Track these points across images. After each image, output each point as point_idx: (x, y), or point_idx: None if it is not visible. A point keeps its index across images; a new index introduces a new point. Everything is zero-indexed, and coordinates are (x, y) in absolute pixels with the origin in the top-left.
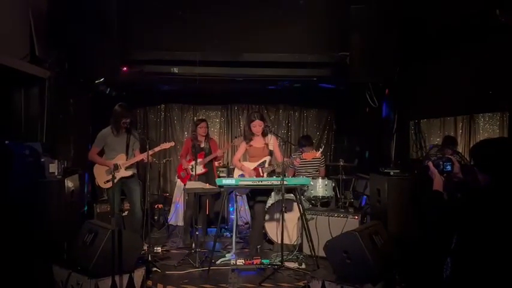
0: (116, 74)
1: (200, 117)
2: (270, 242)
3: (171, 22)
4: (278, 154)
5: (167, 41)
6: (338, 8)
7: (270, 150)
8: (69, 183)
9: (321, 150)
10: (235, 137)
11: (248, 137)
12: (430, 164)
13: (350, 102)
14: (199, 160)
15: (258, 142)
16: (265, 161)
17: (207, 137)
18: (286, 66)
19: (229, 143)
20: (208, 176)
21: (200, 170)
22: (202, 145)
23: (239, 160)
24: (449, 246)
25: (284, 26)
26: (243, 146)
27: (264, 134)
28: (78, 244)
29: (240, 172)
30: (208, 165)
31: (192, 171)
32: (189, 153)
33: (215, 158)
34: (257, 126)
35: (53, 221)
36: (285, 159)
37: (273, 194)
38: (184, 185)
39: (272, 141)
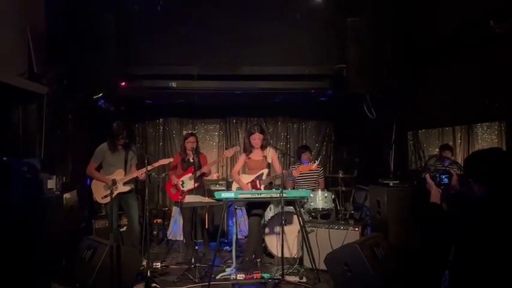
0: (115, 89)
1: (190, 131)
2: (271, 255)
3: (169, 37)
4: (277, 166)
5: (165, 55)
6: (336, 21)
7: (268, 163)
8: (68, 199)
9: (317, 162)
10: (226, 149)
11: (248, 149)
12: (427, 176)
13: (348, 113)
14: (189, 175)
15: (256, 155)
16: (262, 173)
17: (196, 151)
18: (284, 79)
19: (220, 155)
20: (200, 191)
21: (191, 185)
22: (191, 160)
23: (238, 173)
24: (447, 258)
25: (282, 39)
26: (242, 159)
27: (263, 147)
28: (77, 260)
29: (238, 186)
30: (199, 180)
31: (183, 186)
32: (179, 168)
33: (203, 174)
34: (257, 139)
35: (52, 238)
36: (284, 171)
37: (272, 206)
38: (176, 202)
39: (271, 154)
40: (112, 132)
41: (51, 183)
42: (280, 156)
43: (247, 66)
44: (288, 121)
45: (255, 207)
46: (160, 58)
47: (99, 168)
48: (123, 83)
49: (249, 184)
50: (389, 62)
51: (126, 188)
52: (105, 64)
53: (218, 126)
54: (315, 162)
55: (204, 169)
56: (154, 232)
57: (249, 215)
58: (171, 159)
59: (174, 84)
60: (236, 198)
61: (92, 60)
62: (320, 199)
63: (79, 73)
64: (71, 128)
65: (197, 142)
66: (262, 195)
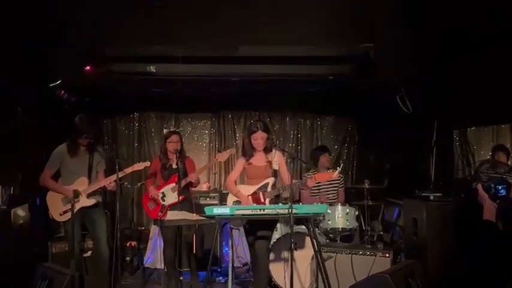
0: (77, 75)
1: (171, 129)
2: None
3: (148, 8)
4: (285, 175)
5: (142, 32)
6: None
7: (274, 170)
8: (17, 215)
9: (339, 169)
10: (219, 151)
11: (248, 152)
12: (480, 187)
13: (376, 107)
14: (172, 185)
15: (259, 160)
16: (267, 183)
17: (181, 154)
18: (294, 62)
19: (212, 159)
20: (186, 205)
21: (174, 198)
22: (175, 165)
23: (235, 182)
24: None
25: (292, 11)
26: (240, 164)
27: (267, 149)
28: None
29: (235, 198)
30: (184, 192)
31: (164, 200)
32: (158, 177)
33: (190, 184)
34: (259, 139)
35: None
36: (294, 181)
37: (279, 226)
38: (155, 219)
39: (277, 158)
40: (73, 129)
41: None
42: (289, 161)
43: (247, 45)
44: (298, 116)
45: (260, 227)
46: (136, 35)
47: (56, 177)
48: (88, 67)
49: (250, 197)
50: (431, 41)
51: (91, 202)
52: (66, 43)
53: (209, 122)
54: (336, 169)
55: (191, 177)
56: (128, 258)
57: (254, 237)
58: (148, 163)
59: (152, 68)
60: (232, 214)
61: (49, 39)
62: (340, 216)
63: (31, 54)
64: (21, 125)
65: (182, 142)
66: (266, 212)
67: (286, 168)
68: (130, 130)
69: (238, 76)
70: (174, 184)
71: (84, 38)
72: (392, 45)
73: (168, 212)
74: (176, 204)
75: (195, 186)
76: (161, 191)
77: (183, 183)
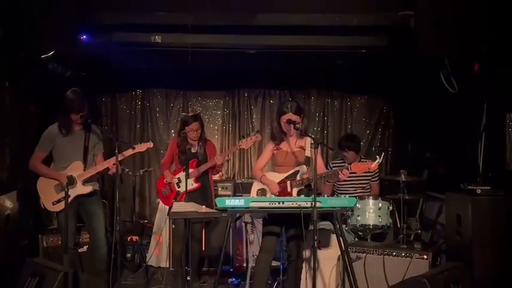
0: (73, 46)
1: (191, 113)
2: None
3: None
4: (320, 163)
5: None
6: None
7: (307, 157)
8: (4, 204)
9: (379, 160)
10: (243, 137)
11: (277, 136)
12: None
13: (416, 86)
14: (190, 171)
15: (289, 145)
16: (297, 171)
17: (200, 138)
18: (320, 32)
19: (236, 145)
20: (202, 194)
21: (191, 185)
22: (195, 150)
23: (262, 170)
24: None
25: None
26: (268, 149)
27: (300, 134)
28: None
29: (260, 186)
30: (203, 178)
31: (179, 186)
32: (176, 161)
33: (212, 168)
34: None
35: None
36: (327, 171)
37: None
38: (169, 207)
39: (310, 145)
40: (65, 105)
41: None
42: (314, 147)
43: (266, 13)
44: (325, 96)
45: (279, 219)
46: (140, 1)
47: (48, 161)
48: (85, 36)
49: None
50: (481, 10)
51: (88, 189)
52: (59, 8)
53: (222, 101)
54: (376, 160)
55: (217, 159)
56: (129, 255)
57: (263, 232)
58: (150, 145)
59: (158, 38)
60: (247, 207)
61: (41, 5)
62: (371, 211)
63: (21, 22)
64: (8, 102)
65: (203, 127)
66: (286, 204)
67: (314, 158)
68: (132, 109)
69: (255, 48)
70: (192, 170)
71: (80, 4)
72: (436, 13)
73: (174, 203)
74: (194, 192)
75: (219, 171)
76: (177, 176)
77: (204, 167)
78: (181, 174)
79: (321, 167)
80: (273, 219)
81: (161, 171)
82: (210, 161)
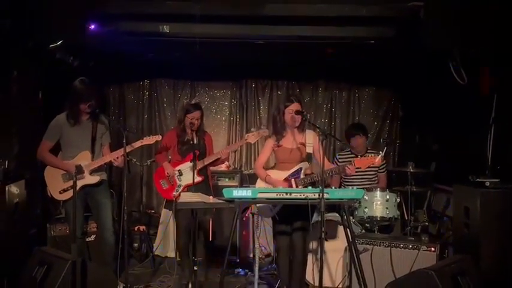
0: (81, 35)
1: (193, 101)
2: (305, 283)
3: None
4: (321, 154)
5: None
6: None
7: (308, 154)
8: (12, 193)
9: (381, 154)
10: (250, 131)
11: (280, 131)
12: None
13: (424, 77)
14: (191, 164)
15: (290, 141)
16: (300, 168)
17: (200, 129)
18: (329, 23)
19: (243, 138)
20: (203, 187)
21: (192, 178)
22: (196, 141)
23: (262, 167)
24: None
25: None
26: (269, 146)
27: (300, 128)
28: (25, 281)
29: (264, 185)
30: (203, 171)
31: (180, 180)
32: (173, 152)
33: (216, 161)
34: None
35: None
36: (331, 166)
37: None
38: (169, 200)
39: (311, 140)
40: (73, 94)
41: None
42: (321, 138)
43: (274, 3)
44: (333, 87)
45: (289, 217)
46: None
47: (56, 150)
48: (93, 26)
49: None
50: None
51: (95, 179)
52: None
53: (229, 92)
54: (379, 154)
55: (222, 153)
56: (136, 244)
57: (275, 231)
58: (159, 137)
59: (166, 28)
60: (254, 198)
61: None
62: (379, 203)
63: (29, 11)
64: (16, 91)
65: (202, 119)
66: (293, 196)
67: (322, 150)
68: (140, 99)
69: (264, 39)
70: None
71: None
72: (446, 4)
73: (182, 193)
74: (197, 185)
75: (223, 163)
76: (177, 168)
77: (208, 159)
78: (182, 166)
79: (325, 163)
80: (282, 218)
81: (158, 162)
82: (214, 154)
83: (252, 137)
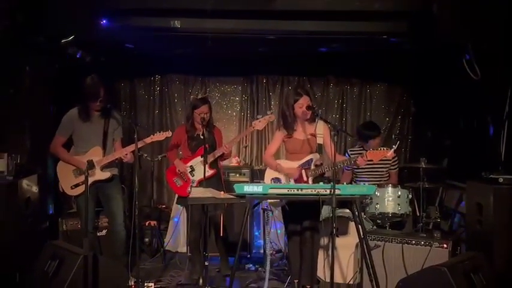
0: (92, 31)
1: (200, 96)
2: (316, 279)
3: None
4: (333, 150)
5: None
6: None
7: (319, 145)
8: (24, 188)
9: (394, 147)
10: (257, 119)
11: (290, 123)
12: None
13: (437, 72)
14: (201, 158)
15: (300, 132)
16: (311, 159)
17: (209, 124)
18: (340, 18)
19: (250, 126)
20: (215, 181)
21: (206, 171)
22: (202, 135)
23: (273, 157)
24: None
25: None
26: (279, 137)
27: (310, 120)
28: (37, 275)
29: (273, 175)
30: (215, 165)
31: (193, 175)
32: (184, 148)
33: (220, 157)
34: (305, 105)
35: (1, 243)
36: (342, 158)
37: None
38: (183, 197)
39: (322, 131)
40: (85, 90)
41: (0, 165)
42: (332, 133)
43: None
44: (344, 83)
45: (300, 213)
46: None
47: (69, 145)
48: (104, 21)
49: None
50: None
51: (106, 175)
52: None
53: (240, 87)
54: (392, 148)
55: (224, 149)
56: (146, 239)
57: (287, 229)
58: (169, 134)
59: (177, 23)
60: (266, 193)
61: None
62: (390, 200)
63: (40, 7)
64: (29, 86)
65: (211, 112)
66: (305, 191)
67: (333, 145)
68: (151, 95)
69: (275, 34)
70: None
71: None
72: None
73: (193, 188)
74: (210, 179)
75: (227, 158)
76: (189, 164)
77: (218, 152)
78: (193, 162)
79: (337, 155)
80: (292, 215)
81: (170, 160)
82: (219, 148)
83: (259, 124)
